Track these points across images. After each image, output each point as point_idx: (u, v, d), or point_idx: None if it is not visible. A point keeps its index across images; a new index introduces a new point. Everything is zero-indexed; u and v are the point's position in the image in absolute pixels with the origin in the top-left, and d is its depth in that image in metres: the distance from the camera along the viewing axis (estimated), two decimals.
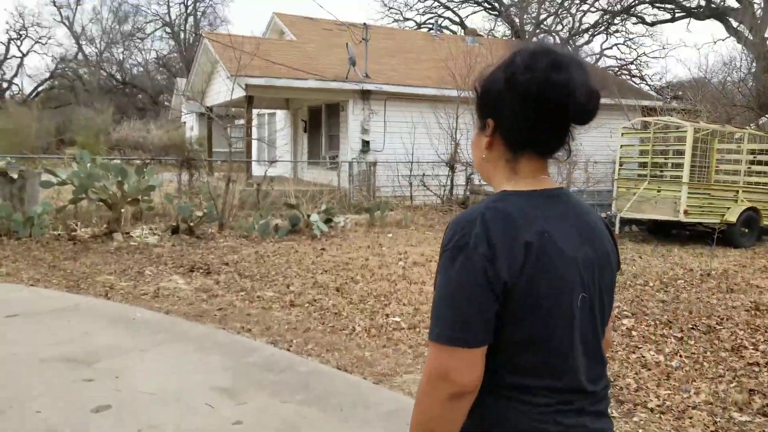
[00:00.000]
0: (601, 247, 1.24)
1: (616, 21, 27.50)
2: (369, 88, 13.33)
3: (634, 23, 28.26)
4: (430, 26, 28.68)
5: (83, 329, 4.84)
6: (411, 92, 13.71)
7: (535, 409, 1.15)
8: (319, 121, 15.31)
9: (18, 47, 47.10)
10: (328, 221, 9.99)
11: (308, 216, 9.79)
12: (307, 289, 6.42)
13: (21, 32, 39.21)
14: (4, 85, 42.32)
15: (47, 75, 41.69)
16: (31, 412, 3.40)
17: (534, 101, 1.16)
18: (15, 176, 9.89)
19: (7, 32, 47.32)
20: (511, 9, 28.87)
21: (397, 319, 5.39)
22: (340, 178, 12.85)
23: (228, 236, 9.41)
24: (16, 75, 56.10)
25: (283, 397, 3.66)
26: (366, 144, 13.45)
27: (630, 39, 28.16)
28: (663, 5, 25.62)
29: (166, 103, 50.62)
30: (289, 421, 3.38)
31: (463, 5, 31.42)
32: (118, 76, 42.13)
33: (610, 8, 26.42)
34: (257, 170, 13.71)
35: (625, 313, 5.49)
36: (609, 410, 1.31)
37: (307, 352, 4.60)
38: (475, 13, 50.06)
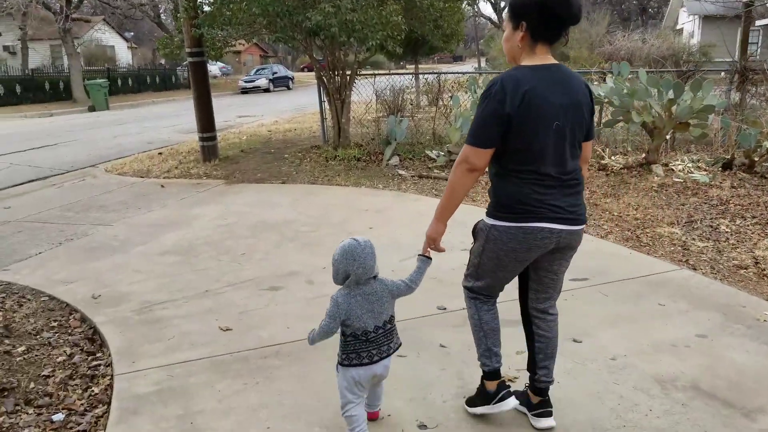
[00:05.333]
0: (575, 97, 2.16)
1: None
2: None
3: None
4: None
5: (694, 319, 3.33)
6: None
7: (523, 181, 2.16)
8: None
9: None
10: None
11: None
12: None
13: None
14: None
15: None
16: None
17: (548, 11, 2.08)
18: None
19: None
20: None
21: None
22: None
23: None
24: None
25: None
26: None
27: None
28: None
29: (650, 10, 46.28)
30: None
31: None
32: None
33: None
34: None
35: None
36: (581, 195, 2.26)
37: None
38: None
